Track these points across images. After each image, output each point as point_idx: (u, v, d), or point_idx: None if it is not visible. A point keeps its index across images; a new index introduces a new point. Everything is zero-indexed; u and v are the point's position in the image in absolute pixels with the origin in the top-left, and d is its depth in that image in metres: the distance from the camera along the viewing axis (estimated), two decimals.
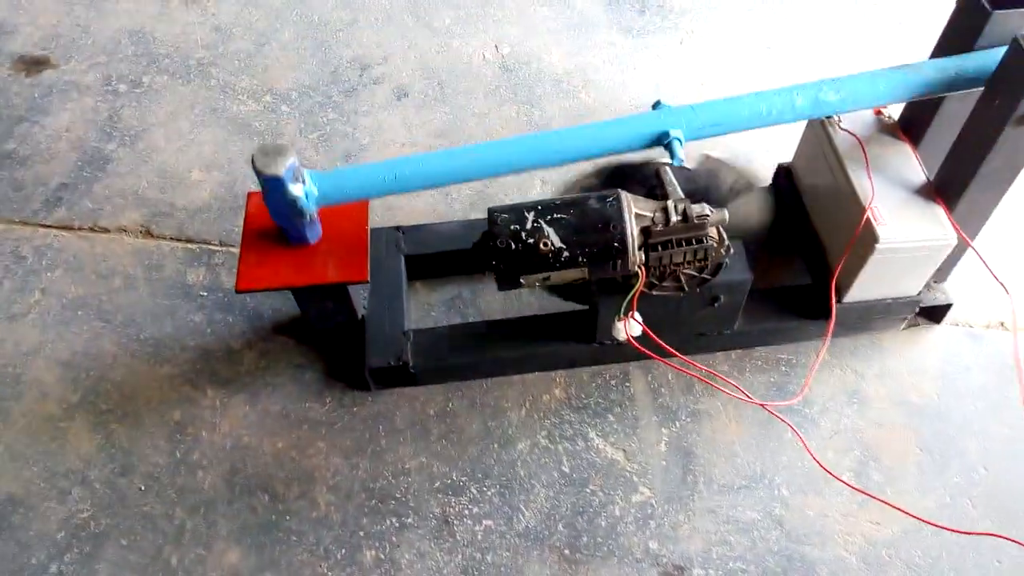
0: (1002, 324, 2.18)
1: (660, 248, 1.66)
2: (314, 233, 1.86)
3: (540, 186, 2.52)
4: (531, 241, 1.63)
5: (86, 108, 2.79)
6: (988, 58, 1.70)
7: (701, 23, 3.04)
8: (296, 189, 1.70)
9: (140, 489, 1.95)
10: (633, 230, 1.63)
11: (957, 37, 1.77)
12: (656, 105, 1.80)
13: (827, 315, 1.93)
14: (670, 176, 1.73)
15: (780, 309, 2.09)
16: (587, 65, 2.87)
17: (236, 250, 2.33)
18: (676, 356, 1.89)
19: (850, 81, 1.77)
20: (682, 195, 1.70)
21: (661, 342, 1.81)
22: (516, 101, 2.76)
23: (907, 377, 2.11)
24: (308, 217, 1.77)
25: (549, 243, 1.63)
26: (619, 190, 1.67)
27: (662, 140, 1.72)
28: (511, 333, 2.10)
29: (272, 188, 1.69)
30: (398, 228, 2.24)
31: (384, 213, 2.45)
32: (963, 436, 2.01)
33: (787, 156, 2.24)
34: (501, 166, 1.80)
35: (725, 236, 1.70)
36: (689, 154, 2.11)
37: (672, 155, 1.70)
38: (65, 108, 2.79)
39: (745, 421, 2.03)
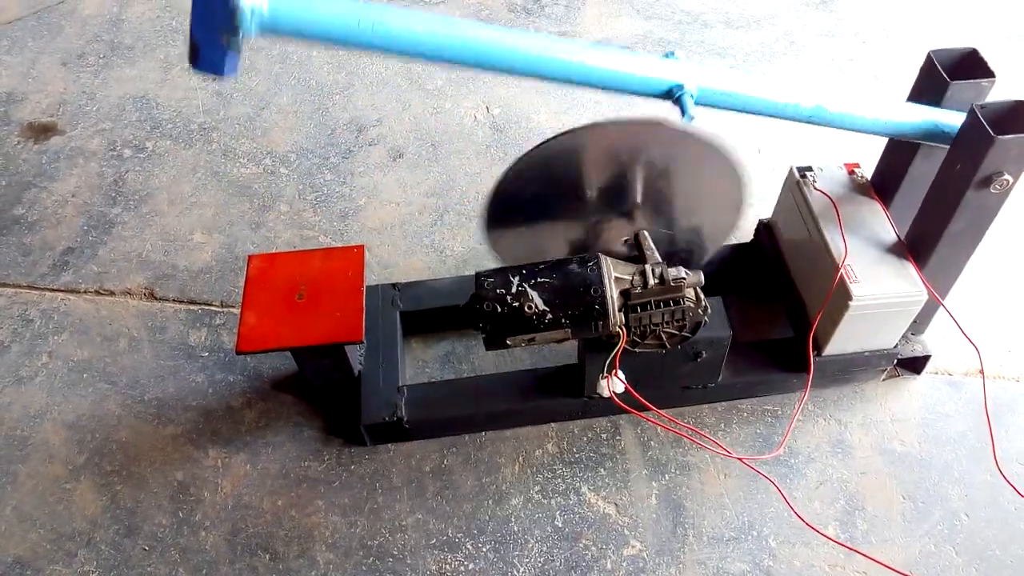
0: (980, 371, 2.23)
1: (640, 309, 1.74)
2: (231, 65, 1.35)
3: None
4: (516, 304, 1.70)
5: (91, 173, 2.89)
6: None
7: None
8: None
9: (144, 550, 2.00)
10: (613, 293, 1.70)
11: (922, 102, 1.84)
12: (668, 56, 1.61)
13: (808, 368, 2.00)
14: (648, 241, 1.81)
15: (764, 362, 2.15)
16: (575, 123, 2.94)
17: (236, 311, 2.41)
18: (658, 413, 1.95)
19: (850, 99, 1.72)
20: (659, 259, 1.77)
21: (643, 400, 1.87)
22: (507, 160, 2.84)
23: (890, 425, 2.16)
24: (239, 40, 1.31)
25: (533, 306, 1.70)
26: (599, 254, 1.75)
27: (673, 93, 1.57)
28: (503, 388, 2.17)
29: None
30: (394, 285, 2.32)
31: (380, 272, 2.53)
32: (945, 483, 2.05)
33: (767, 212, 2.32)
34: (499, 58, 1.54)
35: (703, 296, 1.77)
36: None
37: (683, 111, 1.56)
38: (71, 173, 2.89)
39: (733, 473, 2.08)
